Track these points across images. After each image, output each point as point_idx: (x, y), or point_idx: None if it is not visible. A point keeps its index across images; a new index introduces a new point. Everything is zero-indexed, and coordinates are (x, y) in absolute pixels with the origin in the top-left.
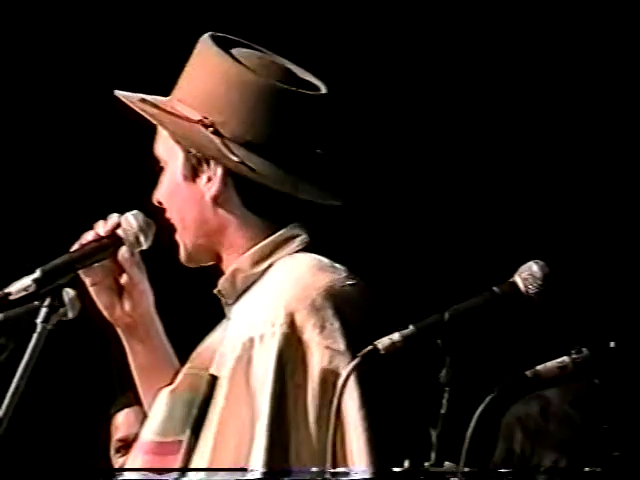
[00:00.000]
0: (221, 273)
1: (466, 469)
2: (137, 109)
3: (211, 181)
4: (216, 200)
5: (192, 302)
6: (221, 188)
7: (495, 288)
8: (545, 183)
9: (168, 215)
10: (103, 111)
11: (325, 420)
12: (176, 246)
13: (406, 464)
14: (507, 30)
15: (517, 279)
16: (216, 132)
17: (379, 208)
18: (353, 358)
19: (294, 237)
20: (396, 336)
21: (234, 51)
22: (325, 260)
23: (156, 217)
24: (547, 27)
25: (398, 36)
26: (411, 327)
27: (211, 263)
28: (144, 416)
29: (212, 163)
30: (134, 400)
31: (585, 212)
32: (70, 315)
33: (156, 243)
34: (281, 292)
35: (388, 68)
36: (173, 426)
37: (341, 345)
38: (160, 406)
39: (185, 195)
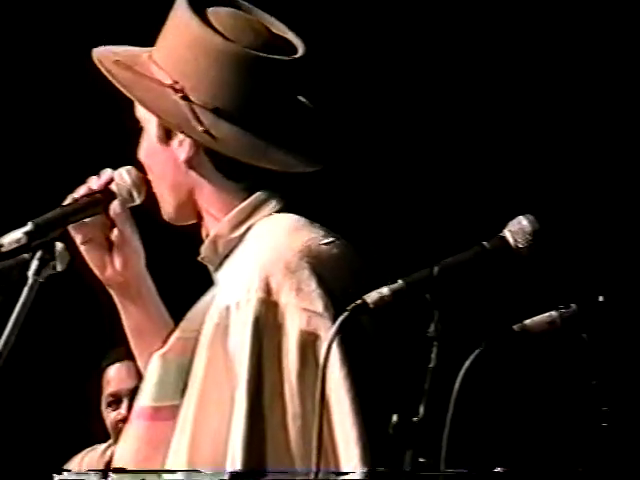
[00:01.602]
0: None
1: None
2: (109, 76)
3: (182, 145)
4: (189, 163)
5: (183, 265)
6: (192, 152)
7: (484, 242)
8: (534, 138)
9: (149, 176)
10: (95, 70)
11: (306, 379)
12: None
13: (394, 418)
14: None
15: (507, 233)
16: (185, 97)
17: (367, 164)
18: (331, 319)
19: (270, 199)
20: (385, 290)
21: (210, 11)
22: (302, 220)
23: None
24: (544, 17)
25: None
26: (400, 281)
27: (193, 222)
28: (138, 373)
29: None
30: (125, 354)
31: (573, 167)
32: (59, 268)
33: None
34: (256, 256)
35: (368, 31)
36: (166, 391)
37: (319, 307)
38: (153, 371)
39: (161, 157)
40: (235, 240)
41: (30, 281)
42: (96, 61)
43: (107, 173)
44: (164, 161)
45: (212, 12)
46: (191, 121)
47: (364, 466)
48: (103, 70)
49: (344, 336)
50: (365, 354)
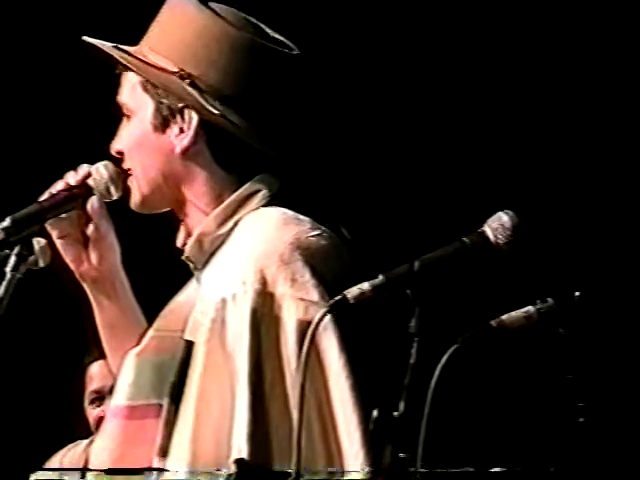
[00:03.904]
0: (182, 230)
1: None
2: (115, 55)
3: (183, 132)
4: (186, 152)
5: (155, 263)
6: (193, 140)
7: (465, 238)
8: (514, 135)
9: (127, 165)
10: (71, 62)
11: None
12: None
13: (374, 413)
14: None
15: (487, 229)
16: (193, 84)
17: (350, 158)
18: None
19: (256, 192)
20: (365, 286)
21: (212, 5)
22: (289, 212)
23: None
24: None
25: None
26: (380, 277)
27: (159, 211)
28: (113, 377)
29: (186, 114)
30: None
31: (552, 163)
32: (41, 264)
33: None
34: (249, 250)
35: (362, 28)
36: (142, 389)
37: (314, 295)
38: (128, 370)
39: (152, 146)
40: (222, 237)
41: (8, 277)
42: (99, 45)
43: (84, 168)
44: (154, 149)
45: (214, 6)
46: (205, 105)
47: (365, 451)
48: (110, 52)
49: (341, 324)
50: (359, 343)
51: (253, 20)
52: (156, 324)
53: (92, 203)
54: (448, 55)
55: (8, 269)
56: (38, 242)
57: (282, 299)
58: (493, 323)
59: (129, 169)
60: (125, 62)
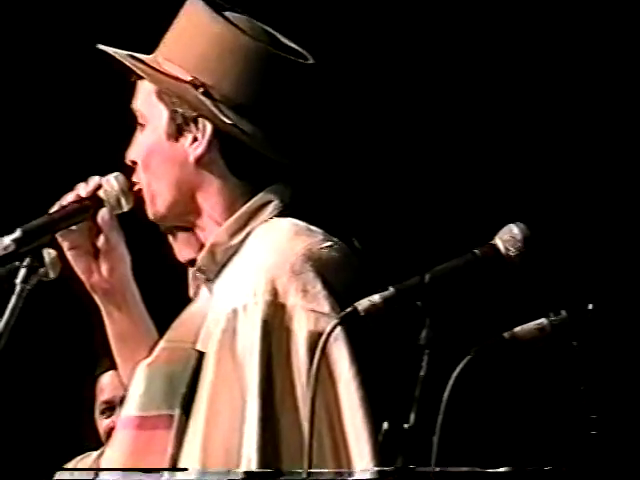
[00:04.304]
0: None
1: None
2: (129, 64)
3: (197, 141)
4: (199, 161)
5: (166, 274)
6: (207, 149)
7: (476, 250)
8: (525, 147)
9: (141, 175)
10: (84, 73)
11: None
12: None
13: (385, 426)
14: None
15: (498, 241)
16: (206, 93)
17: (362, 169)
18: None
19: (268, 203)
20: (376, 297)
21: (226, 14)
22: (301, 224)
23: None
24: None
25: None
26: (391, 289)
27: (181, 224)
28: (124, 387)
29: (200, 123)
30: None
31: (564, 175)
32: (52, 275)
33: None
34: (261, 261)
35: (360, 36)
36: (152, 400)
37: (325, 307)
38: (139, 380)
39: (166, 154)
40: (234, 247)
41: (18, 289)
42: (113, 54)
43: (95, 180)
44: (169, 158)
45: (229, 15)
46: (218, 115)
47: (375, 462)
48: (124, 61)
49: (352, 335)
50: (370, 355)
51: (268, 29)
52: (167, 335)
53: (102, 215)
54: (463, 69)
55: (18, 281)
56: (48, 253)
57: (293, 310)
58: (506, 335)
59: (137, 182)
60: (139, 71)
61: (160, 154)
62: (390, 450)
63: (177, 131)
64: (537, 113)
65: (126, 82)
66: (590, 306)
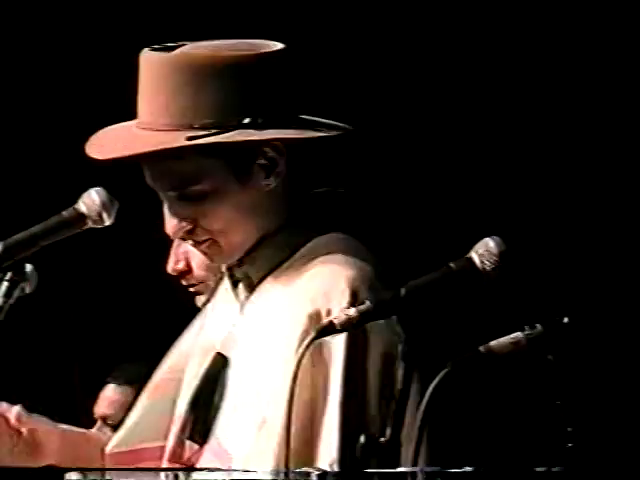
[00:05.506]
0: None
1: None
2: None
3: (271, 166)
4: (276, 184)
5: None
6: (284, 168)
7: (451, 264)
8: (501, 160)
9: (220, 239)
10: (87, 89)
11: (386, 390)
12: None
13: (362, 439)
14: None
15: (473, 255)
16: (234, 127)
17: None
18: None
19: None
20: (352, 311)
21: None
22: (354, 240)
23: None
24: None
25: None
26: (367, 303)
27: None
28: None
29: (269, 153)
30: (135, 377)
31: (540, 188)
32: (27, 290)
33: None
34: (338, 270)
35: (350, 35)
36: (145, 432)
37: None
38: (135, 412)
39: (235, 200)
40: (284, 255)
41: (0, 303)
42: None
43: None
44: (240, 202)
45: (189, 49)
46: (275, 133)
47: (340, 452)
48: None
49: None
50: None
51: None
52: (169, 365)
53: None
54: (431, 88)
55: (0, 295)
56: (25, 267)
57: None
58: (482, 349)
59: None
60: (162, 145)
61: (227, 203)
62: (366, 464)
63: (241, 170)
64: (511, 128)
65: (125, 88)
66: (566, 320)
